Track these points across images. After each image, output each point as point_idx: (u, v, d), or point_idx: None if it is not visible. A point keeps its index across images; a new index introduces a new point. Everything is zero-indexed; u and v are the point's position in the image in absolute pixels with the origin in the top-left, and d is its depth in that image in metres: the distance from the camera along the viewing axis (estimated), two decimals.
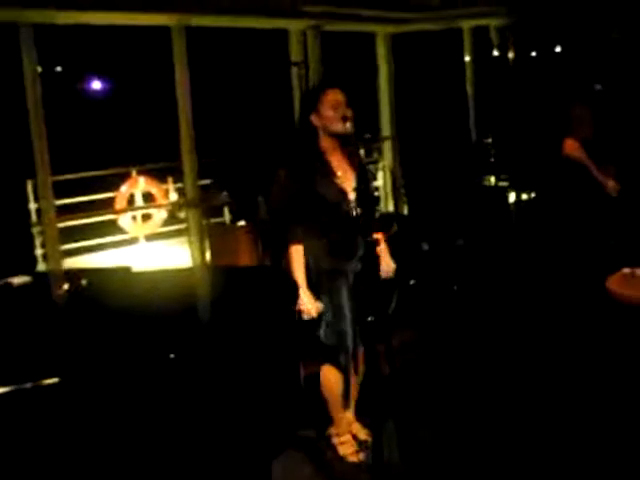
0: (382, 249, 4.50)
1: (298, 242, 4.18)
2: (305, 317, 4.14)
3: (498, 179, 10.27)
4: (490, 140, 11.00)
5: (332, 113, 4.14)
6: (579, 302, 6.32)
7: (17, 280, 4.06)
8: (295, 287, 4.26)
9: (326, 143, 4.25)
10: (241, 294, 4.86)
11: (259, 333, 4.51)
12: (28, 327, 3.57)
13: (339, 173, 4.23)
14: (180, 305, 4.28)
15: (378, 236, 4.38)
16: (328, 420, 4.51)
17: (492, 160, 10.70)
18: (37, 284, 4.17)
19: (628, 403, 4.78)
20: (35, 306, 3.89)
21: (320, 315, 4.20)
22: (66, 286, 4.59)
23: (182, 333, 3.97)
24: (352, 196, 4.23)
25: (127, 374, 3.51)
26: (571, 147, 6.76)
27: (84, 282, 4.38)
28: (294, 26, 9.11)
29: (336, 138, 4.22)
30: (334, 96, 4.22)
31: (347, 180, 4.25)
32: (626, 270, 5.33)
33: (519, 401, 5.01)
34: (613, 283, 5.16)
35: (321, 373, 4.41)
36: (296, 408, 4.86)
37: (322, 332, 4.26)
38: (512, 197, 9.75)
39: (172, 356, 3.34)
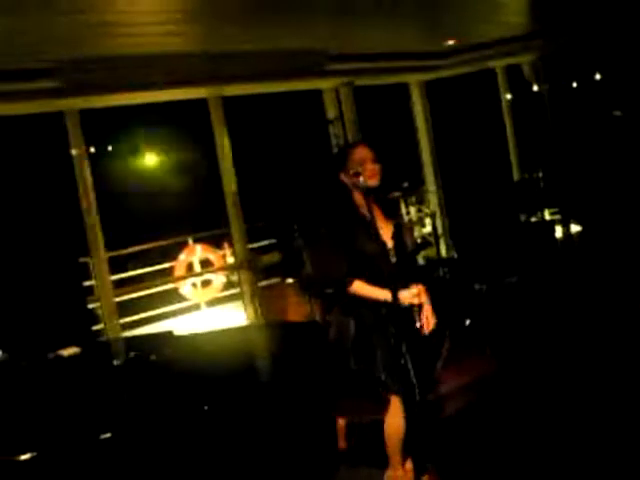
0: (424, 303, 4.52)
1: (352, 282, 4.29)
2: (415, 301, 4.21)
3: (545, 213, 10.26)
4: (540, 175, 10.98)
5: (359, 169, 4.26)
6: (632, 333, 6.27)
7: (67, 352, 4.30)
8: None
9: (358, 198, 4.36)
10: (286, 350, 4.95)
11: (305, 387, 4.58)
12: (79, 394, 3.78)
13: (377, 226, 4.31)
14: (224, 364, 4.39)
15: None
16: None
17: (542, 195, 10.67)
18: (87, 355, 4.39)
19: None
20: (86, 374, 4.12)
21: (376, 359, 4.30)
22: (117, 354, 4.81)
23: (231, 390, 4.05)
24: (390, 245, 4.36)
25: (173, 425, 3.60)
26: None
27: (139, 347, 4.57)
28: (326, 85, 9.33)
29: (368, 192, 4.32)
30: (360, 153, 4.37)
31: (384, 232, 4.36)
32: None
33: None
34: None
35: (386, 417, 4.49)
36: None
37: (383, 376, 4.34)
38: (560, 230, 9.74)
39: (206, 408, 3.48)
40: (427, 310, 4.46)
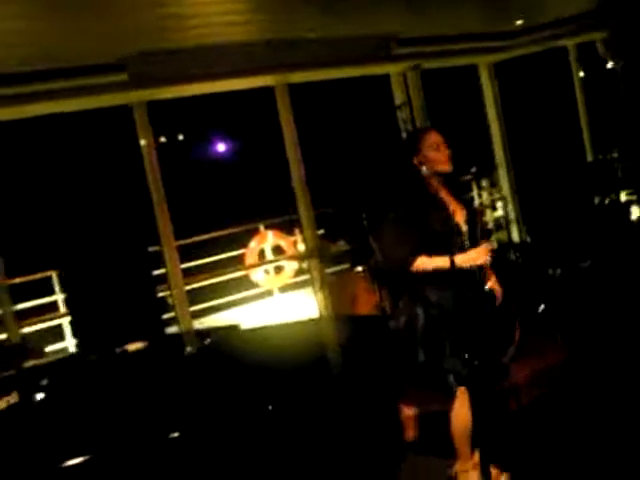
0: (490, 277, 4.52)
1: (414, 259, 4.27)
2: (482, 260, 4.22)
3: (621, 194, 9.98)
4: (615, 155, 10.69)
5: (433, 154, 4.31)
6: None
7: (133, 347, 4.36)
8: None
9: (432, 182, 4.37)
10: (354, 344, 4.93)
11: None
12: (142, 390, 3.82)
13: (450, 208, 4.33)
14: (292, 357, 4.39)
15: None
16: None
17: (617, 176, 10.39)
18: (152, 349, 4.44)
19: None
20: (150, 370, 4.16)
21: (444, 349, 4.27)
22: (182, 349, 4.86)
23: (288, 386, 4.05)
24: (464, 229, 4.35)
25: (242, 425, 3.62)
26: None
27: (205, 342, 4.61)
28: (393, 69, 9.21)
29: (439, 177, 4.36)
30: (433, 138, 4.38)
31: (457, 215, 4.36)
32: None
33: None
34: None
35: (453, 408, 4.46)
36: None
37: (451, 368, 4.31)
38: (636, 212, 9.46)
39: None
40: (492, 280, 4.45)
